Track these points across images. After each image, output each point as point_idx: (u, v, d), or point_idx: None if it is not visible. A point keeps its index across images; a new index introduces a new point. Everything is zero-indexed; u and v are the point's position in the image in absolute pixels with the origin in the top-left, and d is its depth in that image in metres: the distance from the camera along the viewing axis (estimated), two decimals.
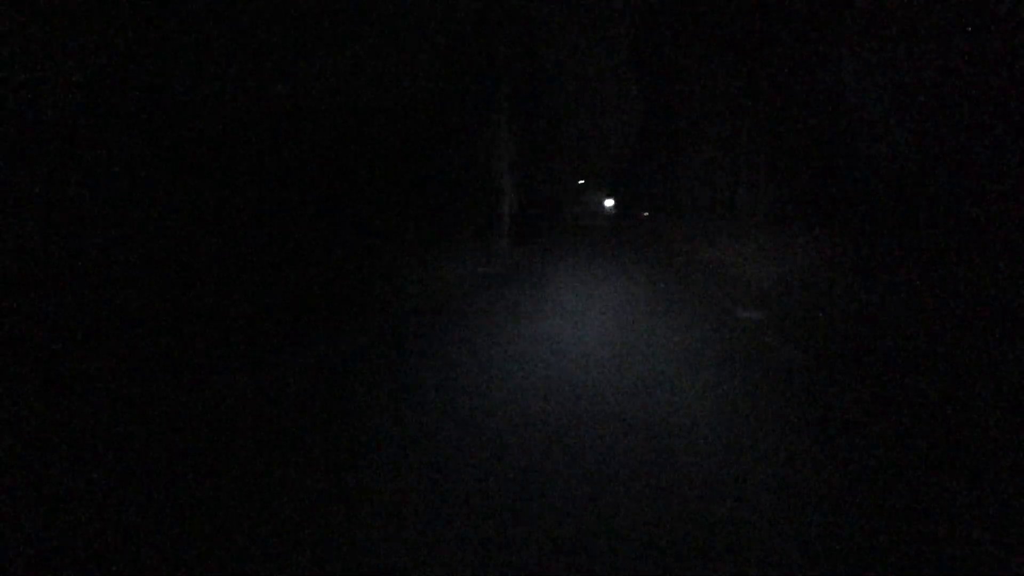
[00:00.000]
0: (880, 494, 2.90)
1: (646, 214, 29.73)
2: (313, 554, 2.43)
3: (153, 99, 5.91)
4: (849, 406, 4.27)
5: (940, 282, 7.23)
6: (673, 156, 23.81)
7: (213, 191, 6.66)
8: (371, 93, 10.24)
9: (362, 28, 9.77)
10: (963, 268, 7.38)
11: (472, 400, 4.41)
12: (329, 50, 9.01)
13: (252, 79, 7.60)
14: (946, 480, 3.05)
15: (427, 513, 2.73)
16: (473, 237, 16.70)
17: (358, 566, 2.36)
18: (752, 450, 3.43)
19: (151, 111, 5.86)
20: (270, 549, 2.47)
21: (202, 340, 5.56)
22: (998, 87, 7.86)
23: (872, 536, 2.55)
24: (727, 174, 19.35)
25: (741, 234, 13.45)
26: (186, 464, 3.29)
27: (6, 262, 4.35)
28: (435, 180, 14.19)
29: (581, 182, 35.70)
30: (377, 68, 10.27)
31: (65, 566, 2.37)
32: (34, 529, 2.58)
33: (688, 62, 17.80)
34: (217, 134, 6.81)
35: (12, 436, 3.44)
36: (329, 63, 9.03)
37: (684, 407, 4.22)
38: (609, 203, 36.80)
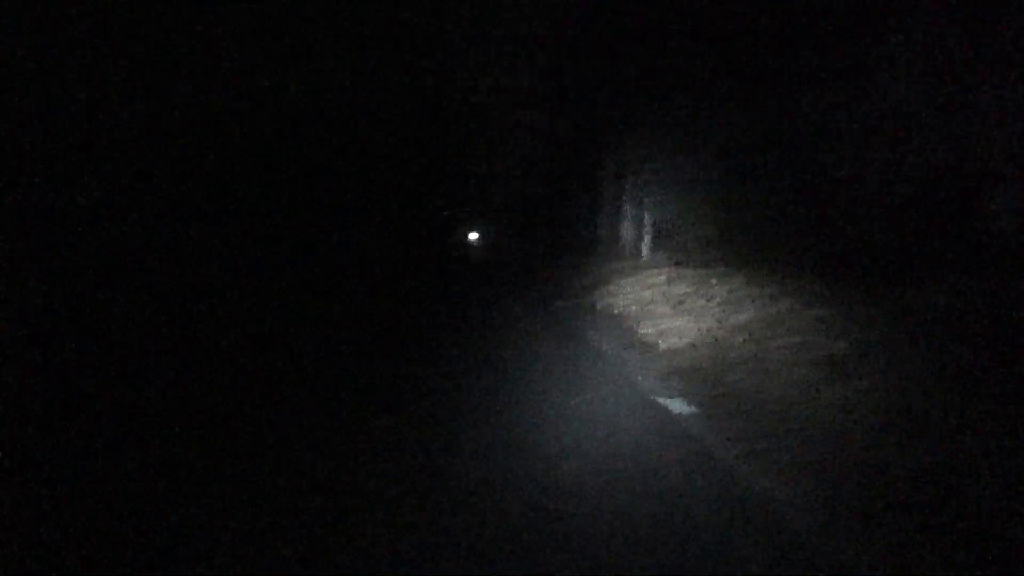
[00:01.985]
0: None
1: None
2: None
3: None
4: None
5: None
6: (566, 181, 21.50)
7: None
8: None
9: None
10: None
11: None
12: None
13: None
14: None
15: None
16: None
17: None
18: None
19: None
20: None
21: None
22: None
23: None
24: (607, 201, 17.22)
25: (642, 272, 11.00)
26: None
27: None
28: None
29: (446, 214, 32.40)
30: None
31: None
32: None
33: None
34: None
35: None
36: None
37: None
38: (474, 235, 33.76)
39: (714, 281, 8.21)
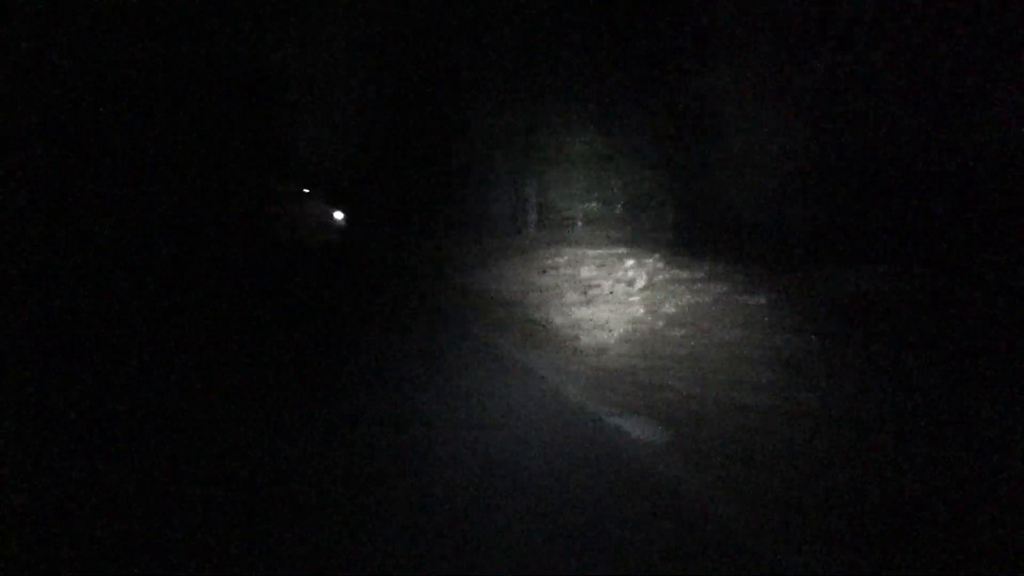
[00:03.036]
0: None
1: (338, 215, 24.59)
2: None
3: None
4: None
5: None
6: (431, 160, 19.70)
7: None
8: None
9: None
10: None
11: None
12: None
13: None
14: None
15: None
16: None
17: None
18: None
19: None
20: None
21: None
22: None
23: None
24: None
25: (531, 252, 9.72)
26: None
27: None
28: None
29: (307, 191, 29.83)
30: None
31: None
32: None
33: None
34: None
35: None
36: None
37: None
38: (339, 215, 31.40)
39: (628, 263, 7.10)
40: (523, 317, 6.87)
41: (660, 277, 6.44)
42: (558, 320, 6.42)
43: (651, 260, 7.14)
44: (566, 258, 8.28)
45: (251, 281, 10.38)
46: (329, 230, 29.23)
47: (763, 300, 5.52)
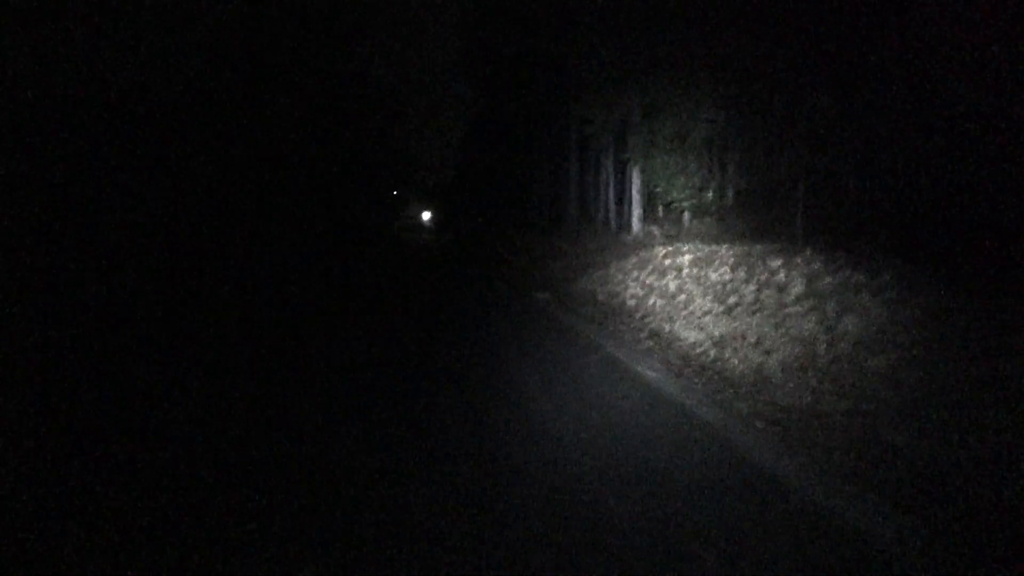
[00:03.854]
0: None
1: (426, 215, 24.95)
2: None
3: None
4: None
5: None
6: (515, 155, 18.69)
7: None
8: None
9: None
10: None
11: None
12: None
13: None
14: None
15: None
16: None
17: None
18: None
19: None
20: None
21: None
22: None
23: None
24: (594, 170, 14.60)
25: (642, 251, 8.39)
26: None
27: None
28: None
29: (395, 193, 30.03)
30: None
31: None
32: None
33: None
34: None
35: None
36: None
37: None
38: (427, 216, 31.79)
39: (773, 263, 5.70)
40: (650, 331, 5.64)
41: (825, 281, 5.03)
42: (692, 335, 5.15)
43: (800, 259, 5.71)
44: (687, 256, 6.94)
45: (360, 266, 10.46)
46: (419, 229, 29.23)
47: (981, 318, 4.04)
